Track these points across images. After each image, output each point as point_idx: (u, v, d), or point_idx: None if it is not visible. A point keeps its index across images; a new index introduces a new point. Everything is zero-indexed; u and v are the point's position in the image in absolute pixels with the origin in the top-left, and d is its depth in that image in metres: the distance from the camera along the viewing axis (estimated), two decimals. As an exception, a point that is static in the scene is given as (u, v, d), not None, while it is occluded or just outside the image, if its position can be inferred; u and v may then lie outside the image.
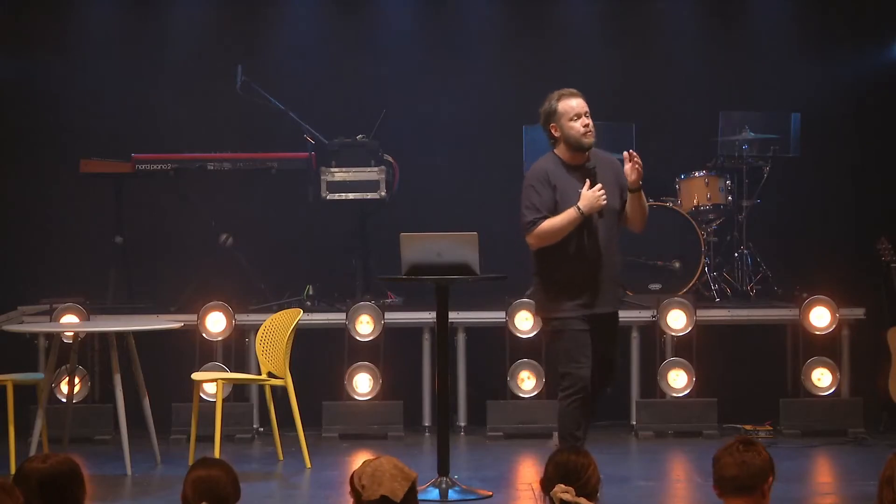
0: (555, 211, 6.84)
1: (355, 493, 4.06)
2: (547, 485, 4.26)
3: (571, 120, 6.87)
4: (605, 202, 6.78)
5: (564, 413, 6.94)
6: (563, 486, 4.18)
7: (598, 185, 6.79)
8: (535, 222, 6.86)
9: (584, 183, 6.82)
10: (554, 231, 6.83)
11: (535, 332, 9.17)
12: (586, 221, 6.81)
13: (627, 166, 6.83)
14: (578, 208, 6.77)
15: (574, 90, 6.97)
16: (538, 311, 7.26)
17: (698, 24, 11.12)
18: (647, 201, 7.07)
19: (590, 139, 6.89)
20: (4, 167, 10.67)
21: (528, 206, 6.90)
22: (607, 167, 6.98)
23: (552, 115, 6.92)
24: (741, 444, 4.14)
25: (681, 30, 11.09)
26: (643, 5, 11.21)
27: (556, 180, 6.88)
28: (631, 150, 6.88)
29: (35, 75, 10.78)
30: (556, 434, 8.89)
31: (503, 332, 9.29)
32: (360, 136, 10.14)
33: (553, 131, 6.93)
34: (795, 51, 10.89)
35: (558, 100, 6.92)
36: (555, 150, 6.98)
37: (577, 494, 4.16)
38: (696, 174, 10.13)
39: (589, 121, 6.89)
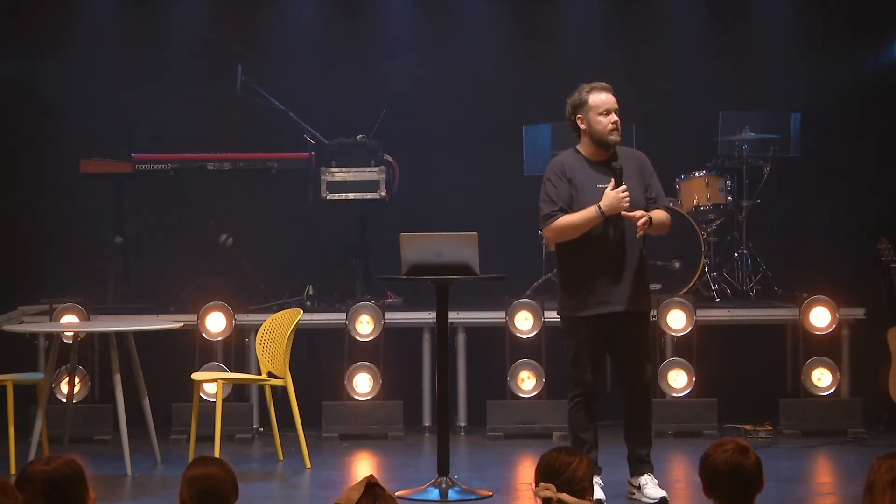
0: (571, 204, 6.76)
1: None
2: (535, 486, 4.25)
3: (601, 114, 6.75)
4: (627, 204, 6.66)
5: (569, 416, 6.95)
6: (543, 483, 4.17)
7: (623, 187, 6.68)
8: (552, 216, 6.75)
9: (604, 180, 6.73)
10: (571, 227, 6.73)
11: (535, 332, 9.17)
12: (606, 219, 6.71)
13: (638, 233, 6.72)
14: (599, 207, 6.67)
15: (606, 84, 6.83)
16: (557, 308, 7.12)
17: (699, 24, 11.13)
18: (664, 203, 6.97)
19: (616, 137, 6.78)
20: (4, 167, 10.66)
21: (544, 199, 6.80)
22: (632, 164, 6.85)
23: (580, 106, 6.79)
24: (737, 448, 4.00)
25: (681, 30, 11.09)
26: (643, 5, 11.21)
27: (572, 174, 6.78)
28: (638, 223, 6.70)
29: (35, 75, 10.78)
30: (555, 434, 8.91)
31: (503, 332, 9.27)
32: (360, 136, 10.14)
33: (579, 123, 6.81)
34: (795, 51, 10.90)
35: (589, 91, 6.79)
36: (577, 146, 6.88)
37: (561, 491, 4.14)
38: (696, 174, 10.12)
39: (617, 118, 6.77)
